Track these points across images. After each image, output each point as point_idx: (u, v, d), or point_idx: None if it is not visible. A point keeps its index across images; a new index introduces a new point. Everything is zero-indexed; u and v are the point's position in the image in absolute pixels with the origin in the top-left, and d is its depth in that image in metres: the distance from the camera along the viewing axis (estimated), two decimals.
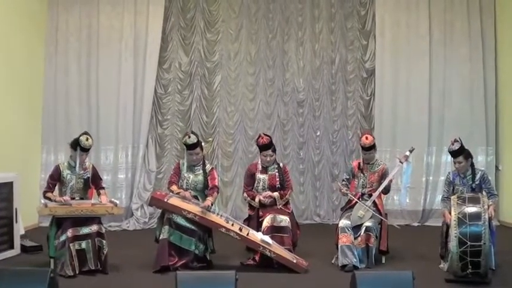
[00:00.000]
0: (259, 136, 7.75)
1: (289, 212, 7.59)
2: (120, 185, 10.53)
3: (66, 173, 7.14)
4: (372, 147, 7.54)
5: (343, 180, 7.77)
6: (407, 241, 8.68)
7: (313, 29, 11.04)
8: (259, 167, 7.70)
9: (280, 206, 7.52)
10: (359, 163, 7.67)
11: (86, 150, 7.09)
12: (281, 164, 7.89)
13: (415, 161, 10.56)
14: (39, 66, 10.42)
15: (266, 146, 7.61)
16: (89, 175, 7.24)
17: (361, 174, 7.60)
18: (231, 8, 10.97)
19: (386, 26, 10.83)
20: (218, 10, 10.94)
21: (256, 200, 7.54)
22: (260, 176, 7.66)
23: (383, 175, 7.60)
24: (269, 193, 7.56)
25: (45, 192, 7.11)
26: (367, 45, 11.02)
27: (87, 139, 7.04)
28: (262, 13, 10.99)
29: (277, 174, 7.67)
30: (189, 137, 7.34)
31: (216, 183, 7.52)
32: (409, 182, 10.58)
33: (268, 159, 7.63)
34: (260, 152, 7.69)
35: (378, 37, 10.83)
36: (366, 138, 7.52)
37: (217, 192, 7.52)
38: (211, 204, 7.26)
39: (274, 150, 7.72)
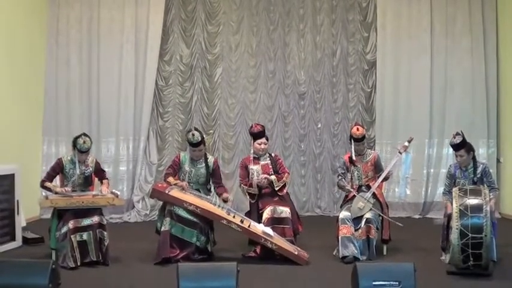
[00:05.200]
0: (252, 125, 7.81)
1: (284, 197, 7.58)
2: (121, 177, 10.54)
3: (68, 167, 7.13)
4: (363, 138, 7.55)
5: (339, 175, 7.71)
6: (409, 233, 8.67)
7: (314, 21, 11.02)
8: (251, 157, 7.69)
9: (278, 189, 7.50)
10: (349, 157, 7.65)
11: (83, 152, 7.06)
12: (273, 154, 7.93)
13: (417, 153, 10.61)
14: (41, 58, 10.41)
15: (260, 133, 7.64)
16: (90, 171, 7.23)
17: (354, 167, 7.60)
18: (232, 0, 10.95)
19: (387, 18, 10.81)
20: (219, 2, 10.93)
21: (254, 184, 7.53)
22: (253, 167, 7.64)
23: (376, 163, 7.64)
24: (265, 175, 7.54)
25: (43, 182, 7.11)
26: (369, 37, 11.00)
27: (84, 142, 6.98)
28: (263, 5, 10.97)
29: (269, 163, 7.69)
30: (193, 135, 7.30)
31: (222, 180, 7.77)
32: (408, 172, 10.69)
33: (262, 146, 7.64)
34: (254, 141, 7.69)
35: (379, 29, 10.81)
36: (357, 129, 7.50)
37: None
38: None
39: (267, 139, 7.76)
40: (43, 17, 10.45)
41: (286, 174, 7.70)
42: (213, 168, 7.52)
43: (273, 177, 7.56)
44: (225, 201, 7.35)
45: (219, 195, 7.47)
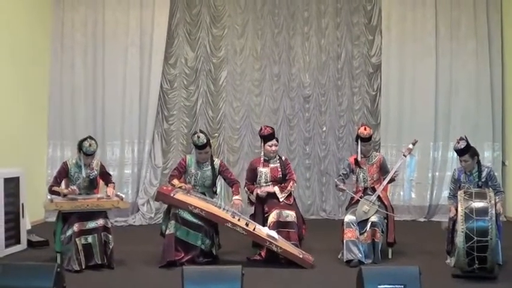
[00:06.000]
0: (262, 128, 7.79)
1: (291, 204, 7.57)
2: (126, 180, 10.55)
3: (73, 170, 7.13)
4: (369, 139, 7.54)
5: (339, 176, 7.72)
6: (414, 236, 8.66)
7: (319, 24, 11.02)
8: (262, 159, 7.68)
9: (283, 200, 7.50)
10: (355, 158, 7.64)
11: (89, 155, 7.07)
12: (283, 157, 7.89)
13: (422, 156, 10.59)
14: (45, 62, 10.44)
15: (271, 135, 7.63)
16: (95, 174, 7.23)
17: (360, 169, 7.58)
18: (237, 3, 10.96)
19: (392, 21, 10.80)
20: (224, 5, 10.94)
21: (254, 193, 7.54)
22: (262, 169, 7.63)
23: (382, 165, 7.61)
24: (267, 189, 7.53)
25: (51, 187, 7.11)
26: (373, 40, 10.99)
27: (90, 145, 6.98)
28: (268, 8, 10.98)
29: (279, 166, 7.66)
30: (199, 137, 7.29)
31: (234, 176, 7.78)
32: (413, 175, 10.67)
33: (273, 148, 7.62)
34: (264, 143, 7.67)
35: (384, 32, 10.80)
36: (365, 129, 7.50)
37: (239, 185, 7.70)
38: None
39: (277, 140, 7.75)
40: (47, 21, 10.47)
41: (292, 182, 7.66)
42: (219, 170, 7.52)
43: (275, 188, 7.55)
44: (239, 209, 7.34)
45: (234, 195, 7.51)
